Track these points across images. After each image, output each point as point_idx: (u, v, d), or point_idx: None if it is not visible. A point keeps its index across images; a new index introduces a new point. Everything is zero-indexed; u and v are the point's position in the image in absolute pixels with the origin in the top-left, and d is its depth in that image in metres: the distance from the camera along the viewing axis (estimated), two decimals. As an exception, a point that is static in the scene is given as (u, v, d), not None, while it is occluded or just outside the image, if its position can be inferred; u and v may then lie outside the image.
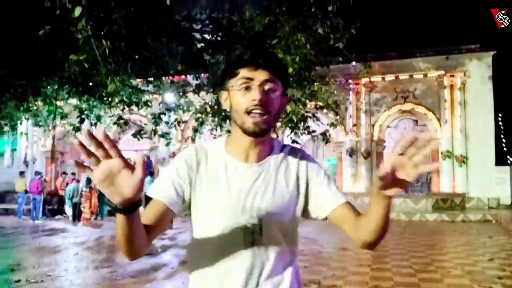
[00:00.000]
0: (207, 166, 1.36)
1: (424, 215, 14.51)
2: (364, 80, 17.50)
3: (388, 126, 18.40)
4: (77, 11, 7.51)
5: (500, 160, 16.68)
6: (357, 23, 10.27)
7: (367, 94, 17.80)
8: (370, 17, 18.16)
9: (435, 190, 17.08)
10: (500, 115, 18.08)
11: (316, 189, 1.38)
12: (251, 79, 1.27)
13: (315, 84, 11.09)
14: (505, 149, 18.74)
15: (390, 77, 17.54)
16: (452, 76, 16.64)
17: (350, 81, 17.72)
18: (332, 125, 13.84)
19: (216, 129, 13.92)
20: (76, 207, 15.00)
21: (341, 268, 7.09)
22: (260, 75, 1.27)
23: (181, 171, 1.34)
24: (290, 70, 9.66)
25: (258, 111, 1.25)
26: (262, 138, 1.32)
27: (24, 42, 10.65)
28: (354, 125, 17.25)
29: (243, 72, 1.29)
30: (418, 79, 17.24)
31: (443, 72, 16.68)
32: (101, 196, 16.00)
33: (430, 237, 10.50)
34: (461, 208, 15.57)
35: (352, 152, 17.92)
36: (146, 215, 1.28)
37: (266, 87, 1.27)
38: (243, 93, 1.28)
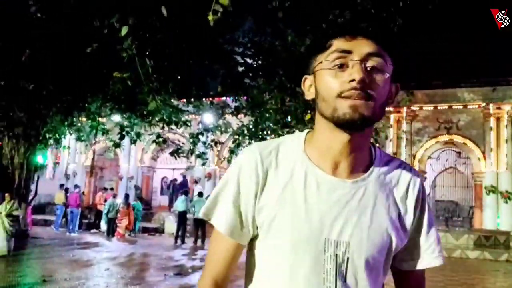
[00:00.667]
0: (277, 175, 1.00)
1: (465, 251, 13.82)
2: (406, 109, 17.13)
3: (429, 157, 17.84)
4: (124, 30, 7.71)
5: (549, 198, 15.78)
6: (401, 49, 10.09)
7: (409, 122, 17.37)
8: (415, 43, 17.91)
9: (477, 226, 16.29)
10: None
11: (423, 233, 1.05)
12: (348, 51, 0.92)
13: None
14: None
15: (433, 107, 17.08)
16: (499, 108, 16.02)
17: (391, 108, 17.37)
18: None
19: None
20: (111, 222, 15.21)
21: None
22: (362, 46, 0.92)
23: (244, 186, 1.01)
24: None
25: (358, 97, 0.90)
26: (361, 138, 0.97)
27: (72, 60, 11.07)
28: (394, 153, 16.83)
29: (338, 43, 0.93)
30: (462, 110, 16.69)
31: (489, 103, 16.10)
32: (137, 213, 16.22)
33: (470, 276, 9.97)
34: (505, 247, 14.74)
35: (390, 182, 17.45)
36: (218, 264, 1.04)
37: (370, 63, 0.92)
38: (335, 72, 0.93)
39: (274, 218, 0.98)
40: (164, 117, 13.70)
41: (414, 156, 17.35)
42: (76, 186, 16.70)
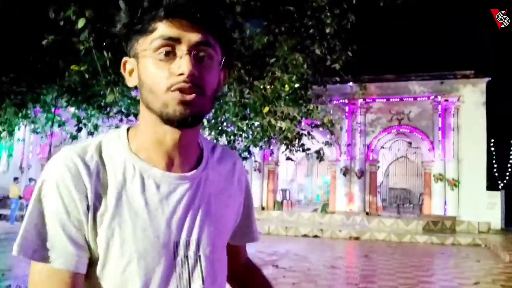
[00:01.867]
0: (107, 182, 0.85)
1: (415, 236, 14.62)
2: (360, 101, 17.77)
3: (382, 147, 18.62)
4: (81, 22, 7.63)
5: (492, 185, 16.89)
6: (354, 45, 10.51)
7: (363, 114, 18.04)
8: (368, 39, 18.51)
9: (427, 212, 17.22)
10: (492, 140, 18.34)
11: (248, 213, 1.08)
12: (176, 40, 0.82)
13: (311, 103, 11.29)
14: (496, 174, 18.96)
15: (385, 99, 17.80)
16: (446, 100, 16.92)
17: (346, 101, 17.96)
18: (327, 143, 14.02)
19: (212, 143, 14.06)
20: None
21: (328, 286, 7.20)
22: (192, 35, 0.83)
23: (70, 203, 0.82)
24: (287, 88, 9.87)
25: (188, 91, 0.82)
26: (193, 131, 0.90)
27: (26, 51, 10.85)
28: (348, 144, 17.44)
29: (163, 29, 0.82)
30: (413, 102, 17.51)
31: (437, 96, 16.96)
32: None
33: (419, 259, 10.62)
34: (451, 231, 15.70)
35: (346, 172, 18.08)
36: None
37: (200, 53, 0.84)
38: (162, 63, 0.83)
39: (112, 234, 0.83)
40: (123, 109, 13.64)
41: (368, 146, 18.06)
42: (31, 179, 16.35)
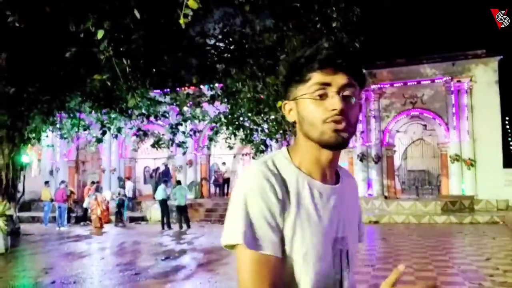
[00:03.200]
0: (289, 193, 1.10)
1: (433, 217, 14.92)
2: (373, 87, 18.01)
3: (397, 131, 18.86)
4: (100, 34, 8.18)
5: (508, 162, 16.95)
6: (361, 37, 10.84)
7: (377, 100, 18.29)
8: (378, 25, 18.67)
9: (445, 193, 17.45)
10: (507, 118, 18.40)
11: (359, 221, 1.32)
12: (327, 84, 1.08)
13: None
14: (512, 151, 19.03)
15: (398, 84, 18.01)
16: (459, 81, 17.04)
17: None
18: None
19: (230, 138, 14.63)
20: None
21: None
22: (339, 79, 1.08)
23: (272, 202, 1.07)
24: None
25: (340, 122, 1.07)
26: (339, 153, 1.16)
27: (50, 62, 11.52)
28: (362, 132, 17.72)
29: (317, 77, 1.09)
30: (426, 84, 17.67)
31: (450, 77, 17.10)
32: (122, 203, 16.86)
33: (435, 239, 10.97)
34: (470, 210, 15.93)
35: (362, 157, 18.42)
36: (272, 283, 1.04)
37: (346, 93, 1.08)
38: (317, 102, 1.08)
39: (295, 230, 1.08)
40: (143, 111, 14.30)
41: (383, 131, 18.34)
42: (62, 182, 17.16)
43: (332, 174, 1.18)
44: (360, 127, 18.23)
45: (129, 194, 18.07)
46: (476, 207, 16.27)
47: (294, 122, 1.16)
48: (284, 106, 1.19)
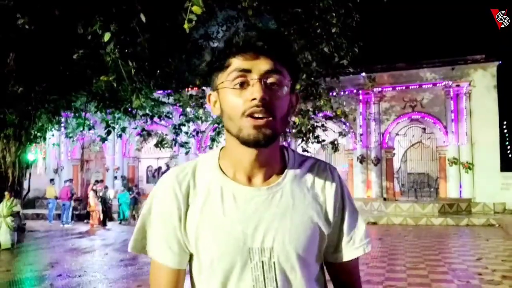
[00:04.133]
0: (195, 194, 1.04)
1: (430, 219, 15.19)
2: (374, 90, 18.30)
3: (397, 134, 19.14)
4: (106, 36, 8.46)
5: (505, 166, 17.21)
6: (360, 42, 11.13)
7: (377, 103, 18.57)
8: (379, 29, 18.97)
9: (443, 195, 17.73)
10: (504, 122, 18.67)
11: (344, 226, 1.10)
12: (247, 70, 0.96)
13: (322, 98, 11.92)
14: (510, 155, 19.27)
15: (398, 87, 18.29)
16: (458, 85, 17.31)
17: (359, 91, 18.52)
18: (341, 134, 14.67)
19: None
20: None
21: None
22: (261, 64, 0.96)
23: (167, 213, 1.03)
24: (298, 86, 10.59)
25: (260, 114, 0.94)
26: (269, 149, 1.00)
27: (57, 62, 11.85)
28: (361, 134, 18.00)
29: (236, 62, 0.97)
30: (425, 88, 17.94)
31: (449, 82, 17.37)
32: (125, 202, 17.16)
33: (430, 240, 11.24)
34: (467, 213, 16.19)
35: (362, 159, 18.69)
36: None
37: (270, 80, 0.96)
38: (237, 92, 0.96)
39: (198, 237, 1.00)
40: (147, 111, 14.61)
41: (383, 134, 18.62)
42: (66, 181, 17.49)
43: (263, 174, 1.04)
44: (360, 129, 18.53)
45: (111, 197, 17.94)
46: (473, 210, 16.53)
47: (221, 116, 1.03)
48: (209, 98, 1.08)
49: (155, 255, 1.05)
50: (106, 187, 17.43)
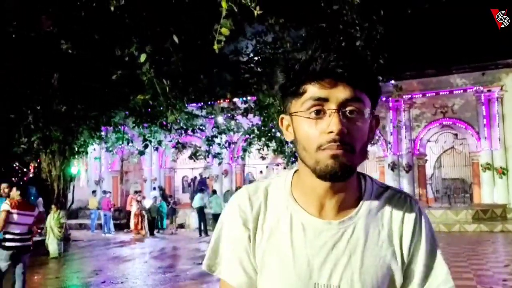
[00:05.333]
0: (266, 219, 1.00)
1: (464, 225, 15.13)
2: (403, 97, 18.37)
3: (428, 140, 19.10)
4: (142, 57, 9.10)
5: (541, 171, 16.92)
6: (385, 54, 11.38)
7: (407, 110, 18.63)
8: (407, 36, 19.04)
9: (477, 201, 17.56)
10: (539, 127, 18.28)
11: (418, 268, 0.98)
12: (324, 99, 0.87)
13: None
14: (545, 160, 18.84)
15: (428, 94, 18.30)
16: (489, 90, 17.18)
17: (389, 98, 18.63)
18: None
19: (263, 149, 15.41)
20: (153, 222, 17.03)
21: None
22: (339, 93, 0.87)
23: (238, 233, 1.00)
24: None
25: (339, 147, 0.86)
26: (345, 183, 0.93)
27: (98, 82, 12.68)
28: (389, 142, 18.08)
29: (313, 90, 0.88)
30: (456, 94, 17.88)
31: (480, 87, 17.27)
32: (162, 212, 17.87)
33: (461, 246, 11.29)
34: (502, 219, 15.99)
35: (393, 167, 18.76)
36: None
37: (348, 108, 0.88)
38: (313, 122, 0.89)
39: (263, 264, 0.97)
40: (182, 125, 15.30)
41: (414, 141, 18.64)
42: (105, 192, 18.40)
43: (336, 205, 0.96)
44: (390, 136, 18.62)
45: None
46: (508, 216, 16.31)
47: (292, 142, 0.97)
48: (281, 121, 1.00)
49: (227, 276, 1.02)
50: (143, 198, 18.22)
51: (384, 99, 18.62)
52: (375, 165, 20.10)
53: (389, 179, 18.86)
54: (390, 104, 18.69)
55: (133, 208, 16.90)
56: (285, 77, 0.94)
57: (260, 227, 1.00)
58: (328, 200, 0.96)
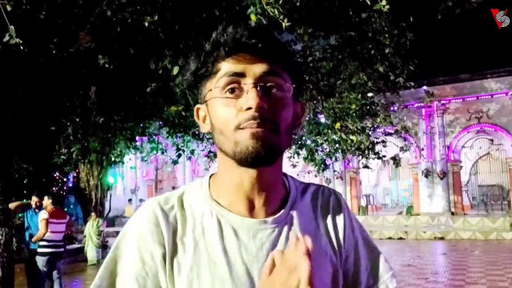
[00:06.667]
0: (186, 231, 0.84)
1: (501, 233, 14.73)
2: (436, 103, 18.11)
3: (463, 146, 18.73)
4: (175, 70, 9.40)
5: None
6: (415, 60, 11.34)
7: (440, 116, 18.34)
8: (439, 41, 18.83)
9: (515, 208, 17.10)
10: None
11: (361, 260, 0.95)
12: (240, 74, 0.79)
13: (379, 116, 12.15)
14: None
15: (462, 99, 17.99)
16: (526, 94, 16.77)
17: (421, 104, 18.41)
18: (402, 149, 14.76)
19: (293, 156, 15.51)
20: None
21: (400, 281, 8.20)
22: (256, 67, 0.79)
23: (146, 253, 0.82)
24: (354, 106, 11.01)
25: (260, 125, 0.77)
26: (271, 169, 0.84)
27: (133, 94, 13.17)
28: (422, 149, 17.84)
29: (227, 66, 0.81)
30: (491, 99, 17.49)
31: (516, 91, 16.87)
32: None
33: (497, 255, 11.05)
34: (542, 226, 15.51)
35: (427, 173, 18.47)
36: None
37: (267, 84, 0.80)
38: (229, 101, 0.80)
39: (192, 283, 0.80)
40: (213, 135, 15.61)
41: (448, 147, 18.32)
42: (141, 200, 18.89)
43: (267, 202, 0.87)
44: (424, 142, 18.36)
45: None
46: (549, 223, 15.79)
47: (210, 133, 0.87)
48: (197, 113, 0.92)
49: None
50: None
51: (416, 105, 18.44)
52: (408, 172, 19.85)
53: (423, 186, 18.59)
54: (423, 110, 18.48)
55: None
56: (196, 60, 0.87)
57: (180, 241, 0.84)
58: (257, 196, 0.86)
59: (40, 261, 6.05)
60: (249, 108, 0.77)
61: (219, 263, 0.81)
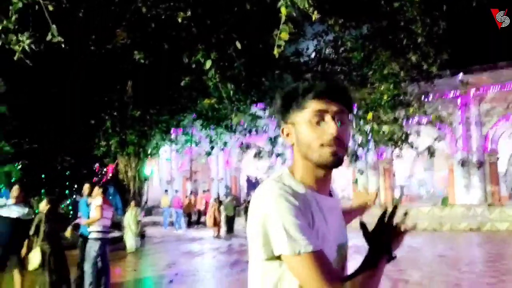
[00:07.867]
0: (307, 209, 1.21)
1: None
2: (472, 92, 17.73)
3: (500, 136, 18.27)
4: (208, 63, 9.64)
5: None
6: (448, 49, 11.16)
7: (476, 105, 17.95)
8: (476, 29, 18.34)
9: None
10: None
11: None
12: (324, 111, 1.22)
13: (411, 106, 12.02)
14: None
15: (500, 87, 17.52)
16: None
17: (457, 93, 18.06)
18: (436, 139, 14.57)
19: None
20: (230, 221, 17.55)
21: (431, 271, 8.22)
22: (333, 107, 1.22)
23: (304, 213, 1.18)
24: (385, 97, 10.96)
25: (337, 146, 1.21)
26: (332, 171, 1.29)
27: (168, 88, 13.56)
28: (457, 139, 17.52)
29: (316, 105, 1.23)
30: (530, 87, 17.01)
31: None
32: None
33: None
34: None
35: (463, 164, 18.14)
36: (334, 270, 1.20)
37: (339, 118, 1.23)
38: (314, 127, 1.23)
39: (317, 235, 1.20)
40: (245, 126, 15.87)
41: (485, 137, 17.91)
42: (177, 191, 19.41)
43: (328, 189, 1.33)
44: (460, 132, 18.00)
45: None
46: None
47: (293, 145, 1.29)
48: (282, 130, 1.32)
49: (316, 244, 1.14)
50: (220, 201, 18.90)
51: (451, 94, 18.10)
52: (444, 162, 19.54)
53: (459, 176, 18.29)
54: (459, 100, 18.12)
55: (210, 206, 17.53)
56: (287, 97, 1.29)
57: (309, 212, 1.20)
58: (326, 184, 1.30)
59: (95, 246, 6.36)
60: (331, 134, 1.20)
61: (324, 227, 1.22)
